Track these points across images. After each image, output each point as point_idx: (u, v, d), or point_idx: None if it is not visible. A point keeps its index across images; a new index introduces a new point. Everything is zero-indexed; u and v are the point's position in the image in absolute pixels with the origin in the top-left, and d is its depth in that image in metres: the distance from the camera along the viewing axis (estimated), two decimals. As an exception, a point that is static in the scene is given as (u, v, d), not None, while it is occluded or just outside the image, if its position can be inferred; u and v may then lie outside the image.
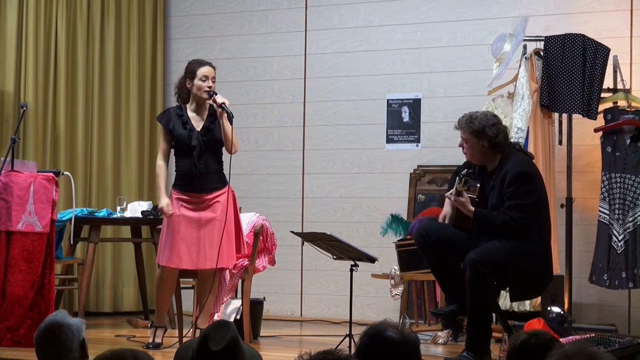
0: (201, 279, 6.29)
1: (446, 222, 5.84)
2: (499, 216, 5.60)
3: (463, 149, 5.82)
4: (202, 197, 6.17)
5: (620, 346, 5.03)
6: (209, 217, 6.17)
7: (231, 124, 6.15)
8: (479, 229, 5.68)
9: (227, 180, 6.26)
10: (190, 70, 6.24)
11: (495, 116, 5.90)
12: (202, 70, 6.21)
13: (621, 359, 4.90)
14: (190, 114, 6.26)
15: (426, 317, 7.24)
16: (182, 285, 6.57)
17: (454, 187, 5.71)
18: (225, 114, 6.11)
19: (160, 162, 6.28)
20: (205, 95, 6.20)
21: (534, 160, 6.01)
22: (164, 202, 6.15)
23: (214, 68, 6.28)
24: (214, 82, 6.23)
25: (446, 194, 5.81)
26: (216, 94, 6.17)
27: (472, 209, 5.65)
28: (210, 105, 6.25)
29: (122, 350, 3.05)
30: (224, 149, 6.28)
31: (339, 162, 8.42)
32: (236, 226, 6.28)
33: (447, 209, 5.86)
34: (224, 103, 6.12)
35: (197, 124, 6.23)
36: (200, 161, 6.17)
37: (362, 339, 3.22)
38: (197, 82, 6.20)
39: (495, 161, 5.76)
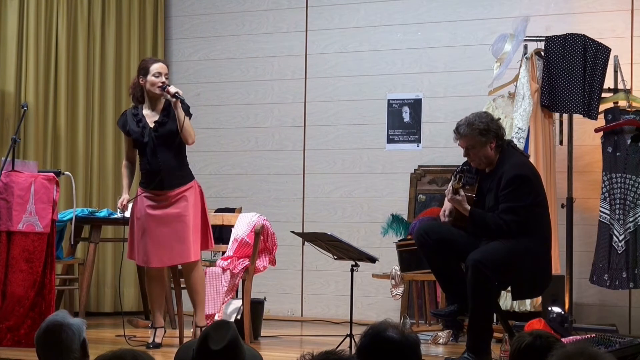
0: (185, 276, 6.32)
1: (446, 215, 5.80)
2: (493, 219, 5.58)
3: (469, 157, 5.76)
4: (165, 194, 6.18)
5: (621, 346, 5.03)
6: (174, 214, 6.17)
7: (188, 114, 6.18)
8: (474, 229, 5.67)
9: (193, 175, 6.28)
10: (143, 67, 6.30)
11: (487, 113, 5.90)
12: (155, 67, 6.27)
13: (621, 358, 4.90)
14: (145, 112, 6.29)
15: (427, 317, 7.24)
16: (182, 286, 6.58)
17: (450, 185, 5.69)
18: (180, 104, 6.13)
19: (124, 162, 6.42)
20: (158, 90, 6.23)
21: (531, 159, 5.99)
22: (121, 197, 6.30)
23: (166, 65, 6.36)
24: (167, 78, 6.28)
25: (445, 192, 5.79)
26: (169, 86, 6.22)
27: (469, 207, 5.63)
28: (165, 101, 6.27)
29: (123, 351, 3.05)
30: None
31: (340, 162, 8.43)
32: (203, 221, 6.29)
33: (447, 204, 5.84)
34: (177, 92, 6.16)
35: (151, 120, 6.26)
36: (155, 157, 6.18)
37: (362, 339, 3.21)
38: (150, 77, 6.24)
39: (494, 162, 5.74)
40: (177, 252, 6.17)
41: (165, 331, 6.42)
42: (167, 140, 6.19)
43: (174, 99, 6.16)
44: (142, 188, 6.26)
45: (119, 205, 6.31)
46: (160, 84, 6.22)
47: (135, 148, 6.31)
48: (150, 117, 6.27)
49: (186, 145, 6.25)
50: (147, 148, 6.19)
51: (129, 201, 6.27)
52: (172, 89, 6.18)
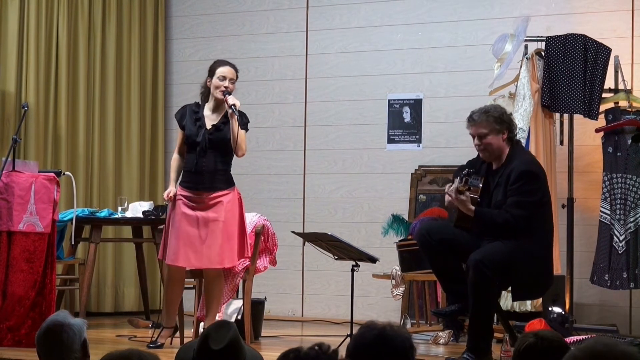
0: (206, 280, 6.29)
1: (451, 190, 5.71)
2: (500, 214, 5.58)
3: (480, 146, 5.74)
4: (204, 196, 6.17)
5: (622, 346, 5.02)
6: (210, 217, 6.17)
7: (244, 128, 6.16)
8: (479, 229, 5.67)
9: (234, 183, 6.27)
10: (212, 69, 6.31)
11: (500, 106, 5.93)
12: (222, 70, 6.26)
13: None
14: (206, 112, 6.29)
15: (427, 317, 7.24)
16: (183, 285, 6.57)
17: (455, 186, 5.67)
18: (235, 116, 6.12)
19: (174, 155, 6.42)
20: (219, 95, 6.23)
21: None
22: (168, 189, 6.29)
23: (236, 70, 6.31)
24: (232, 83, 6.26)
25: (446, 190, 5.75)
26: (229, 94, 6.19)
27: (473, 208, 5.63)
28: None
29: (129, 351, 3.05)
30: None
31: (340, 162, 8.42)
32: (240, 228, 6.27)
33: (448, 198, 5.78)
34: (234, 105, 6.13)
35: (210, 122, 6.25)
36: (204, 158, 6.18)
37: (360, 339, 3.11)
38: (214, 80, 6.25)
39: (503, 157, 5.73)
40: (205, 255, 6.15)
41: (175, 331, 6.39)
42: (218, 145, 6.19)
43: (229, 110, 6.15)
44: (181, 187, 6.25)
45: (165, 196, 6.27)
46: (223, 89, 6.22)
47: (185, 144, 6.30)
48: (210, 118, 6.26)
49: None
50: (198, 148, 6.18)
51: (173, 197, 6.23)
52: (230, 100, 6.15)
